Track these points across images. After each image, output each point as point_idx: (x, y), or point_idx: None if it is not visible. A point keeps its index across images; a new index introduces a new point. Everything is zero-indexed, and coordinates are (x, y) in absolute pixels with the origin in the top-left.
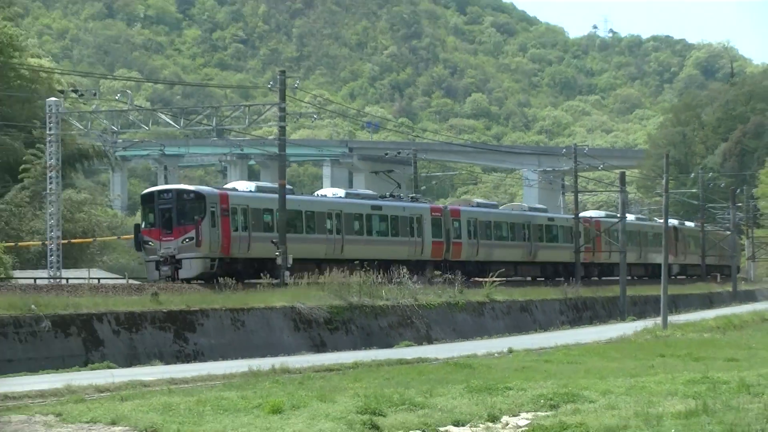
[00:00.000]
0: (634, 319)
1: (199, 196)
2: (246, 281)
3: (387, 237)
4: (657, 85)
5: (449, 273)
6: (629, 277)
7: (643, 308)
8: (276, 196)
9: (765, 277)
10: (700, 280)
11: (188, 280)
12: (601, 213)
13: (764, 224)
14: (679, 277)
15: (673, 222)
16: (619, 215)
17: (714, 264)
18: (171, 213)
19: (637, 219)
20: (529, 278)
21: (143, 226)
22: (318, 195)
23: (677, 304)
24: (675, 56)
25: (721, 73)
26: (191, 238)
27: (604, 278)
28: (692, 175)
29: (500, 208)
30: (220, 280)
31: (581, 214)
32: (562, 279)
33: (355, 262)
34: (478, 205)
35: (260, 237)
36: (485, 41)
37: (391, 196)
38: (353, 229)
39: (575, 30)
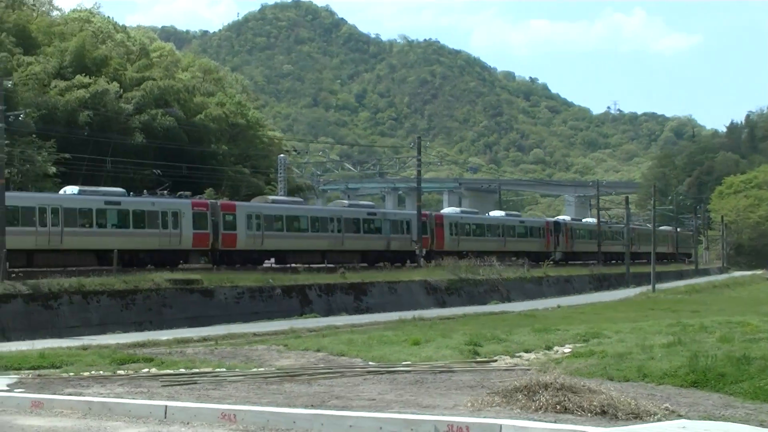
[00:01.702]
0: (635, 287)
1: None
2: (395, 265)
3: (128, 229)
4: (647, 143)
5: (220, 261)
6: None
7: (640, 280)
8: None
9: (715, 260)
10: (674, 262)
11: None
12: (456, 210)
13: (714, 228)
14: (567, 262)
15: (563, 219)
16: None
17: (672, 252)
18: None
19: (507, 215)
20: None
21: None
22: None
23: (661, 277)
24: (658, 125)
25: (686, 135)
26: None
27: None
28: (669, 197)
29: (330, 204)
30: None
31: (443, 211)
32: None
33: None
34: (274, 201)
35: None
36: (541, 117)
37: (153, 194)
38: (77, 222)
39: (597, 108)
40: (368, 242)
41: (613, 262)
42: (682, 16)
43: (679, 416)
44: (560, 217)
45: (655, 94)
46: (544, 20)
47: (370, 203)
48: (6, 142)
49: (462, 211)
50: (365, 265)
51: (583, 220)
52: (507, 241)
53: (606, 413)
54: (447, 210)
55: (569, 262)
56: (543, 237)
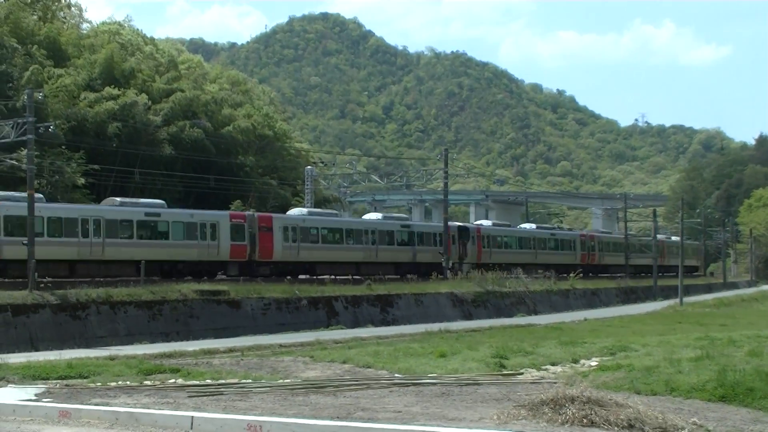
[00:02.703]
0: (662, 300)
1: None
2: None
3: None
4: (675, 156)
5: None
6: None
7: (668, 293)
8: None
9: (743, 273)
10: (701, 276)
11: None
12: (301, 211)
13: (743, 241)
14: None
15: (479, 224)
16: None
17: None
18: None
19: (386, 218)
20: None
21: None
22: None
23: (689, 290)
24: (686, 137)
25: (715, 147)
26: None
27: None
28: (698, 210)
29: (103, 203)
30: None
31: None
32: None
33: None
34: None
35: None
36: (569, 129)
37: None
38: None
39: (624, 121)
40: (148, 250)
41: (564, 275)
42: (711, 28)
43: (707, 431)
44: (480, 222)
45: (684, 107)
46: (572, 32)
47: (158, 201)
48: (36, 153)
49: (309, 212)
50: (156, 279)
51: (520, 227)
52: (379, 250)
53: (633, 427)
54: (292, 211)
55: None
56: (439, 245)
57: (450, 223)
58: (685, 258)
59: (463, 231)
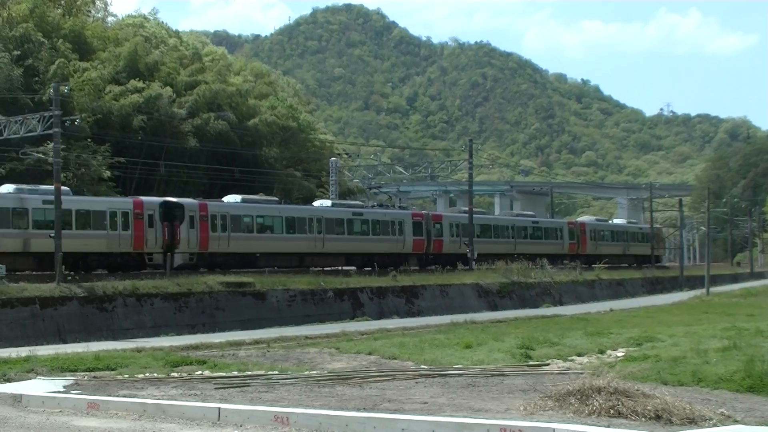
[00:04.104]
0: (688, 290)
1: None
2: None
3: None
4: (701, 145)
5: None
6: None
7: (694, 283)
8: None
9: None
10: (726, 265)
11: None
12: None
13: None
14: (204, 269)
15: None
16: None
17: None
18: None
19: (30, 189)
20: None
21: None
22: None
23: (716, 280)
24: (712, 126)
25: (741, 136)
26: None
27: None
28: (724, 200)
29: None
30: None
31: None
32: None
33: None
34: None
35: None
36: (593, 119)
37: None
38: None
39: (649, 110)
40: None
41: (369, 268)
42: (738, 16)
43: (735, 422)
44: (226, 198)
45: (710, 96)
46: (596, 22)
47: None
48: (62, 146)
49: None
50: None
51: (313, 204)
52: (31, 236)
53: (660, 418)
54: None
55: (208, 270)
56: (122, 229)
57: (144, 198)
58: (634, 245)
59: (173, 209)
